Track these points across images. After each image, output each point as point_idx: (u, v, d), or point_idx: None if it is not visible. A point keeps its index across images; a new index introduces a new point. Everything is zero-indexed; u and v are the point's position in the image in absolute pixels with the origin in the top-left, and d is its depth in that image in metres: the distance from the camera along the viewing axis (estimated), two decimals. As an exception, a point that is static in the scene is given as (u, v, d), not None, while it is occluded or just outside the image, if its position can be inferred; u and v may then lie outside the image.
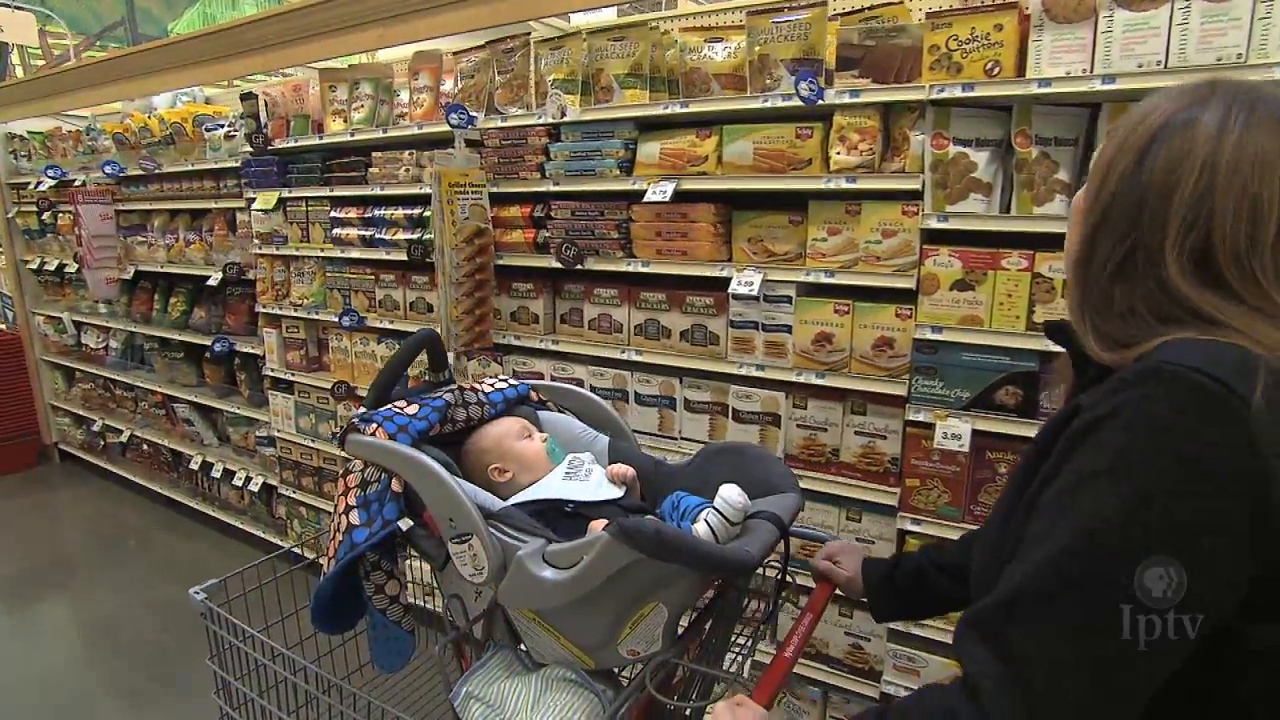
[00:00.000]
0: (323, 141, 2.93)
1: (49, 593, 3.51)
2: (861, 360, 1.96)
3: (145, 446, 4.27)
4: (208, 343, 3.68)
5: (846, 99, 1.84)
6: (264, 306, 3.34)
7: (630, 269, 2.22)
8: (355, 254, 2.89)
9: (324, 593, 1.29)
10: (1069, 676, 0.65)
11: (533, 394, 1.54)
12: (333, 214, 2.95)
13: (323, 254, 3.03)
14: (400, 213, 2.71)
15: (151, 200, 3.85)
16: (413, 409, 1.32)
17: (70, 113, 4.47)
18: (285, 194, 3.11)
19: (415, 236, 2.66)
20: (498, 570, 1.15)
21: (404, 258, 2.71)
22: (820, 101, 1.83)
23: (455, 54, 2.62)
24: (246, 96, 3.18)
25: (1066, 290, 0.84)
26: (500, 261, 2.47)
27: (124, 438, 4.33)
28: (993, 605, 0.70)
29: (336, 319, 2.98)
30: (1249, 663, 0.68)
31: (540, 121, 2.29)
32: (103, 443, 4.58)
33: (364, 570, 1.30)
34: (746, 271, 2.03)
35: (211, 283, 3.49)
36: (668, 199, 2.05)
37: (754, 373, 2.10)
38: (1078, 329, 0.79)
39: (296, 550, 1.61)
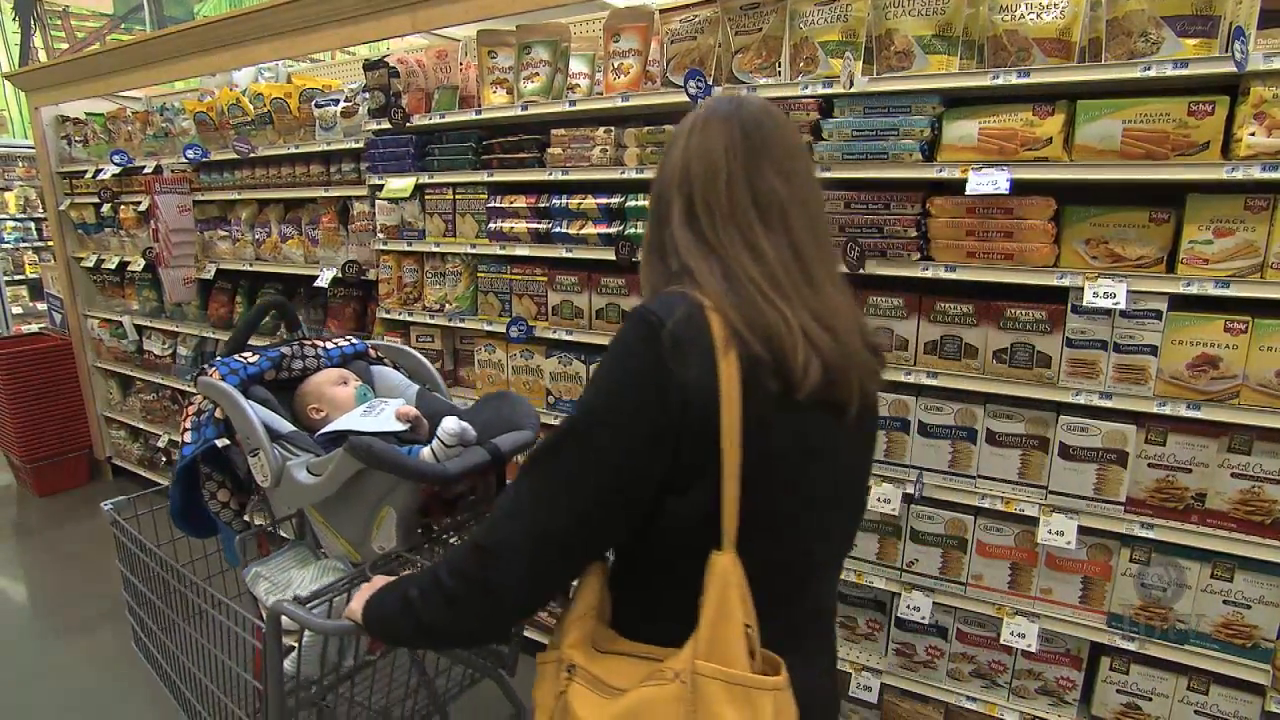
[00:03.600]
0: (481, 117, 2.49)
1: (116, 634, 3.05)
2: (1260, 389, 1.59)
3: (221, 464, 3.81)
4: (309, 351, 3.24)
5: (1278, 64, 1.46)
6: (388, 311, 2.90)
7: (928, 274, 1.83)
8: (522, 251, 2.47)
9: (172, 496, 1.63)
10: (530, 516, 0.93)
11: (371, 351, 1.82)
12: (491, 203, 2.52)
13: (474, 250, 2.60)
14: (591, 202, 2.29)
15: (238, 188, 3.39)
16: (253, 358, 1.62)
17: (124, 93, 3.97)
18: (424, 179, 2.67)
19: (614, 230, 2.24)
20: (278, 477, 1.45)
21: (592, 256, 2.30)
22: (1245, 68, 1.45)
23: (663, 12, 2.20)
24: (373, 65, 2.72)
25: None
26: (734, 263, 2.06)
27: (195, 454, 3.87)
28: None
29: (501, 329, 2.56)
30: (669, 524, 0.92)
31: (810, 93, 1.88)
32: (165, 459, 4.11)
33: (202, 480, 1.61)
34: (1102, 281, 1.65)
35: (321, 283, 3.04)
36: (1003, 190, 1.66)
37: (1096, 401, 1.72)
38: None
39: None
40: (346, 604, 1.23)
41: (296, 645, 1.31)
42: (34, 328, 5.50)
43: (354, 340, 1.80)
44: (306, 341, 1.72)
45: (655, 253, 1.00)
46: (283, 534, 1.65)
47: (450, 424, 1.33)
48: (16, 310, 6.55)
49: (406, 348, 1.84)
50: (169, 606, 1.61)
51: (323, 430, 1.53)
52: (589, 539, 0.94)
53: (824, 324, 0.92)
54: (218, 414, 1.54)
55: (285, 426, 1.54)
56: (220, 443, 1.54)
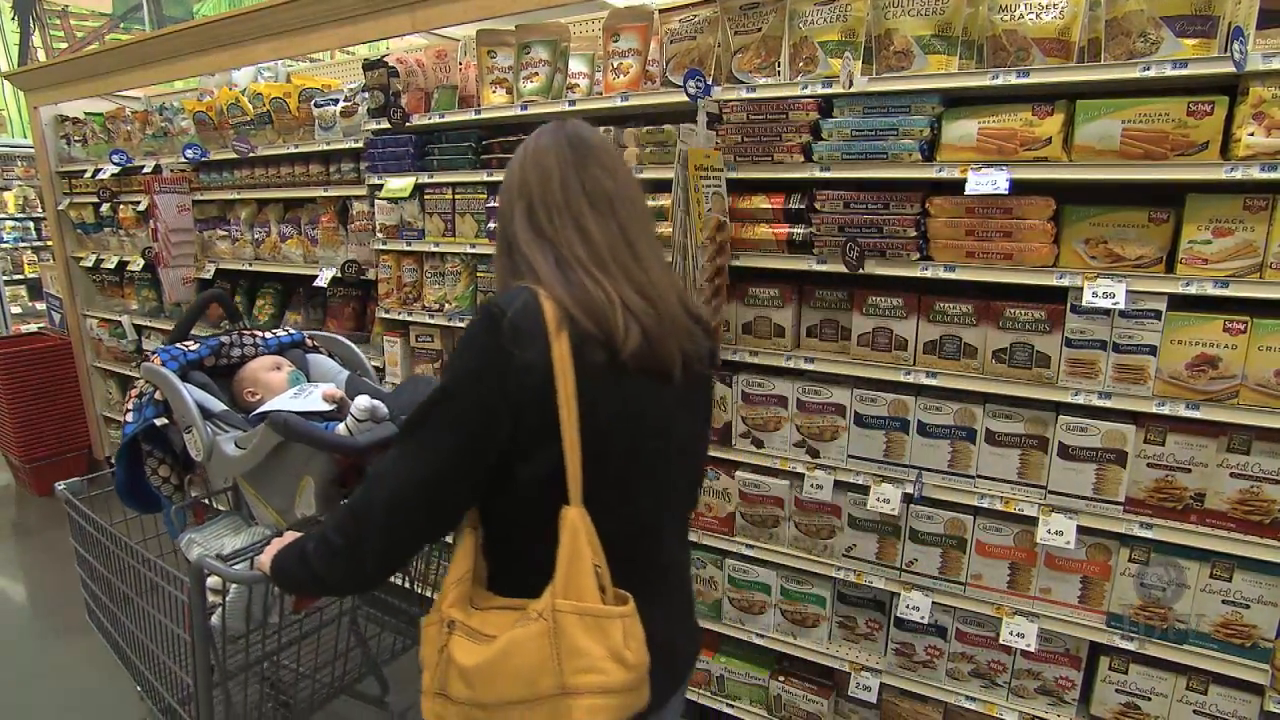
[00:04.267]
0: (481, 116, 2.49)
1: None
2: (1259, 389, 1.59)
3: (220, 464, 3.81)
4: (308, 350, 3.24)
5: (1277, 64, 1.46)
6: (387, 311, 2.90)
7: (927, 274, 1.83)
8: (521, 252, 2.46)
9: (117, 474, 1.77)
10: (391, 479, 1.06)
11: (308, 341, 1.98)
12: (491, 203, 2.52)
13: (474, 250, 2.60)
14: (590, 204, 2.28)
15: (238, 188, 3.38)
16: (193, 345, 1.76)
17: (123, 93, 3.97)
18: (424, 179, 2.67)
19: (613, 232, 2.24)
20: (209, 451, 1.59)
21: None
22: (1244, 68, 1.45)
23: (663, 12, 2.20)
24: (373, 65, 2.72)
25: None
26: (734, 263, 2.06)
27: (194, 454, 3.87)
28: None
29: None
30: (521, 488, 1.06)
31: (810, 93, 1.88)
32: (165, 458, 4.11)
33: (144, 457, 1.74)
34: (1101, 280, 1.65)
35: (320, 282, 3.04)
36: (1003, 190, 1.67)
37: (1095, 401, 1.72)
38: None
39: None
40: None
41: (222, 602, 1.43)
42: (33, 327, 5.51)
43: (291, 331, 1.99)
44: (245, 331, 1.88)
45: (503, 251, 1.14)
46: (219, 507, 1.78)
47: (362, 401, 1.43)
48: (15, 310, 6.55)
49: (340, 338, 2.02)
50: (121, 580, 1.71)
51: (256, 411, 1.66)
52: (439, 504, 1.07)
53: (644, 295, 1.06)
54: (157, 396, 1.68)
55: (218, 406, 1.68)
56: (159, 422, 1.68)
